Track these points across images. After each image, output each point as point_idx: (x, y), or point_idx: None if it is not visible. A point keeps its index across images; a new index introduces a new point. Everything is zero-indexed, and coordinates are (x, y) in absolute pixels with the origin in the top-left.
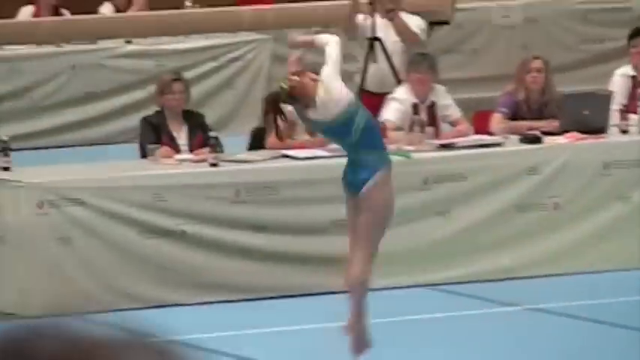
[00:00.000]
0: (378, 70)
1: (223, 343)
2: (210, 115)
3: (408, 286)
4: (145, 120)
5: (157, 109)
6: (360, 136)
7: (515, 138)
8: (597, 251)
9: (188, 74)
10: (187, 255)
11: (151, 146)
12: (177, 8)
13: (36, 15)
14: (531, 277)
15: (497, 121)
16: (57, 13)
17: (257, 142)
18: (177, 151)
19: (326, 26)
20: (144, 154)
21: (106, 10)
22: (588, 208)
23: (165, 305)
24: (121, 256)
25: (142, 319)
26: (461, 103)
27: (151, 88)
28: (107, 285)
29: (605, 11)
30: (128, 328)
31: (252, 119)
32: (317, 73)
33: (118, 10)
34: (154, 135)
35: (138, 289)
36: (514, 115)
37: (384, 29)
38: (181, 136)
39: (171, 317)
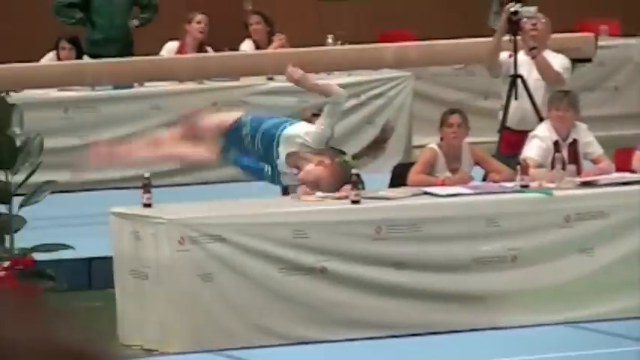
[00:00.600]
0: (519, 107)
1: None
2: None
3: (550, 324)
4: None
5: None
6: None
7: None
8: None
9: None
10: (328, 292)
11: (292, 183)
12: (319, 45)
13: (180, 51)
14: None
15: (638, 158)
16: (201, 49)
17: (398, 179)
18: None
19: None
20: (285, 192)
21: (247, 47)
22: None
23: (305, 342)
24: (261, 292)
25: (282, 356)
26: (602, 141)
27: None
28: (248, 322)
29: None
30: None
31: (394, 156)
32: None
33: (258, 47)
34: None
35: (279, 326)
36: None
37: (526, 67)
38: None
39: (312, 354)
